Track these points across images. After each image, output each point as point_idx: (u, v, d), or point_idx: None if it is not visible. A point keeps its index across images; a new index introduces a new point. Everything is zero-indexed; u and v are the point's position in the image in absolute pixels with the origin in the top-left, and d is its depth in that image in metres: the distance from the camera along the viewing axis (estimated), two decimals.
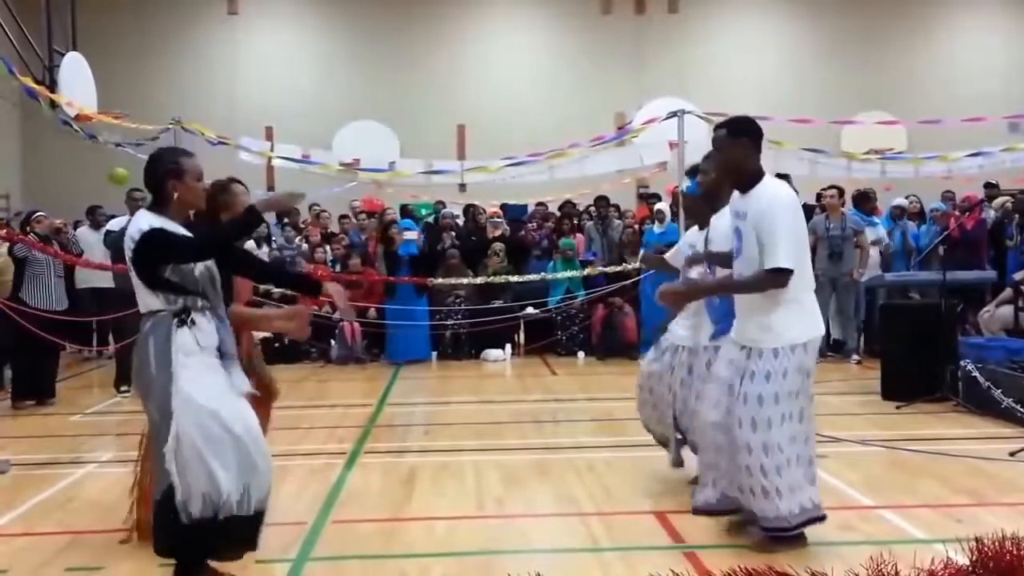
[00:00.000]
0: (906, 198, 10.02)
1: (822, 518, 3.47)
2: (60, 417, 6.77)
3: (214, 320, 3.13)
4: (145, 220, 3.09)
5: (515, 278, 9.52)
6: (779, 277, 3.30)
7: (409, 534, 3.85)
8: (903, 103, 13.87)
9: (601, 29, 14.97)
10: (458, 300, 9.66)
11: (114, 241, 7.90)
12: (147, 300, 3.09)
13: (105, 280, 8.97)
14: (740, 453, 3.39)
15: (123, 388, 7.58)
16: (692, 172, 4.46)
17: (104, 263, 8.37)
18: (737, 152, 3.44)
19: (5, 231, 7.23)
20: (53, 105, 8.58)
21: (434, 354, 9.50)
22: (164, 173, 3.14)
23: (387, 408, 6.93)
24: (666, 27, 15.03)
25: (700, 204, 4.24)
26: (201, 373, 3.01)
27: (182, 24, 14.61)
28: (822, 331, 3.48)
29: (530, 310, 9.68)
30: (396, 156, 12.61)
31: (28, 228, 7.56)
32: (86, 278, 9.61)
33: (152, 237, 3.04)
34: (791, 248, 3.29)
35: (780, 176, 10.40)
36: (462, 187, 12.12)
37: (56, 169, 13.52)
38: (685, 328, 4.27)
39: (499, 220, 10.65)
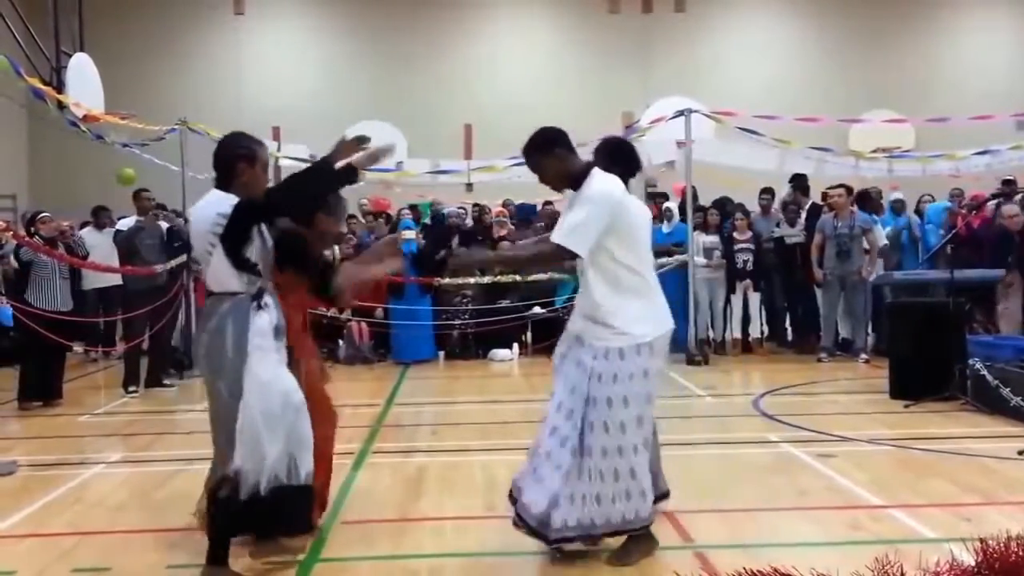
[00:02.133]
0: (919, 199, 9.97)
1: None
2: (68, 418, 6.79)
3: (275, 298, 3.26)
4: (223, 198, 3.16)
5: (522, 277, 9.52)
6: (562, 255, 3.22)
7: (418, 534, 3.85)
8: (910, 101, 13.81)
9: (608, 28, 14.96)
10: (465, 300, 9.66)
11: (123, 240, 7.93)
12: (226, 281, 3.14)
13: (111, 281, 9.01)
14: (594, 459, 3.24)
15: (131, 388, 7.60)
16: None
17: (111, 264, 8.40)
18: (556, 164, 3.37)
19: (12, 233, 7.24)
20: (60, 106, 8.62)
21: (441, 354, 9.50)
22: (237, 155, 3.22)
23: (395, 408, 6.94)
24: (673, 26, 15.00)
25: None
26: (268, 353, 3.14)
27: (188, 25, 14.65)
28: (667, 329, 3.34)
29: (537, 310, 9.67)
30: (403, 156, 12.61)
31: (32, 229, 7.59)
32: (92, 279, 9.64)
33: (247, 203, 3.11)
34: (585, 232, 3.17)
35: (796, 176, 10.36)
36: (469, 187, 12.12)
37: (63, 170, 13.57)
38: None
39: (504, 219, 10.64)
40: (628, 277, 3.27)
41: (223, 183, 3.21)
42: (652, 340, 3.27)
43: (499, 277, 9.52)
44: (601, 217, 3.19)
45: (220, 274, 3.14)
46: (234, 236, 3.10)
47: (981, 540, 2.60)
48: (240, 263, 3.12)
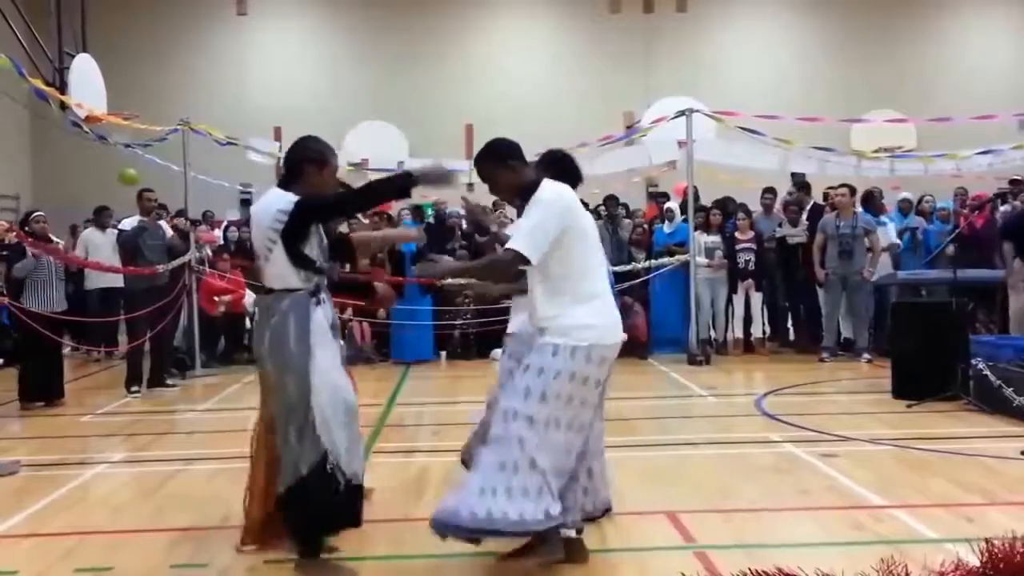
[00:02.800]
0: (920, 199, 9.96)
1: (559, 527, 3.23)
2: (70, 418, 6.79)
3: (330, 296, 3.35)
4: (284, 196, 3.22)
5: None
6: (514, 262, 3.13)
7: (420, 534, 3.84)
8: (913, 101, 13.82)
9: (610, 28, 14.96)
10: (467, 300, 9.66)
11: (126, 240, 7.94)
12: (287, 277, 3.20)
13: (114, 281, 9.01)
14: (490, 446, 3.16)
15: (133, 388, 7.61)
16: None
17: (113, 264, 8.41)
18: (509, 175, 3.34)
19: (16, 232, 7.25)
20: (63, 106, 8.63)
21: (443, 354, 9.50)
22: (307, 158, 3.29)
23: (397, 408, 6.94)
24: (675, 26, 15.01)
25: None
26: (329, 350, 3.23)
27: (191, 25, 14.68)
28: (611, 341, 3.21)
29: None
30: (405, 156, 12.62)
31: (27, 229, 7.59)
32: (95, 279, 9.65)
33: (307, 201, 3.17)
34: (536, 238, 3.10)
35: (795, 175, 10.33)
36: (470, 187, 12.11)
37: (66, 170, 13.60)
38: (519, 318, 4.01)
39: (507, 220, 10.64)
40: (574, 283, 3.19)
41: (287, 183, 3.28)
42: (589, 346, 3.14)
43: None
44: (553, 220, 3.14)
45: (280, 270, 3.19)
46: (294, 233, 3.16)
47: (986, 540, 2.60)
48: (299, 260, 3.18)
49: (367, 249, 3.76)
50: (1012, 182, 9.35)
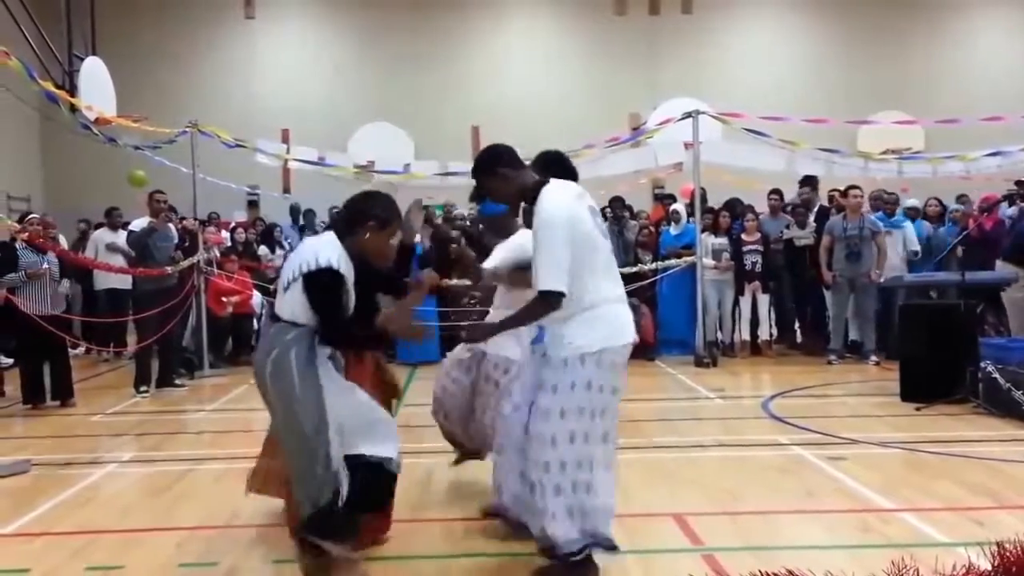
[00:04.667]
0: (927, 202, 9.93)
1: (609, 548, 3.21)
2: (80, 417, 6.83)
3: None
4: (331, 251, 3.12)
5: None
6: (550, 300, 3.08)
7: (427, 535, 3.86)
8: (920, 102, 13.78)
9: (615, 30, 14.96)
10: (472, 301, 9.68)
11: (136, 241, 7.97)
12: (297, 312, 3.13)
13: (123, 282, 9.06)
14: (528, 468, 3.16)
15: (142, 388, 7.64)
16: (475, 196, 4.47)
17: (123, 266, 8.45)
18: (501, 184, 3.32)
19: (28, 234, 7.29)
20: (73, 109, 8.68)
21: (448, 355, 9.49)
22: (370, 214, 3.20)
23: (403, 409, 6.94)
24: (680, 28, 15.00)
25: (497, 222, 4.29)
26: (334, 374, 3.24)
27: (199, 28, 14.75)
28: (620, 343, 3.18)
29: None
30: (411, 158, 12.64)
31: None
32: (104, 279, 9.70)
33: (323, 280, 3.09)
34: (555, 267, 3.06)
35: (806, 178, 10.25)
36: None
37: (76, 172, 13.68)
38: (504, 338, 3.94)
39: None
40: (578, 292, 3.12)
41: (343, 232, 3.20)
42: (600, 351, 3.11)
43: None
44: (560, 241, 3.08)
45: (292, 305, 3.14)
46: (305, 285, 3.11)
47: (998, 544, 2.59)
48: (315, 304, 3.12)
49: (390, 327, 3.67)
50: (1019, 183, 9.32)
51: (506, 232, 4.26)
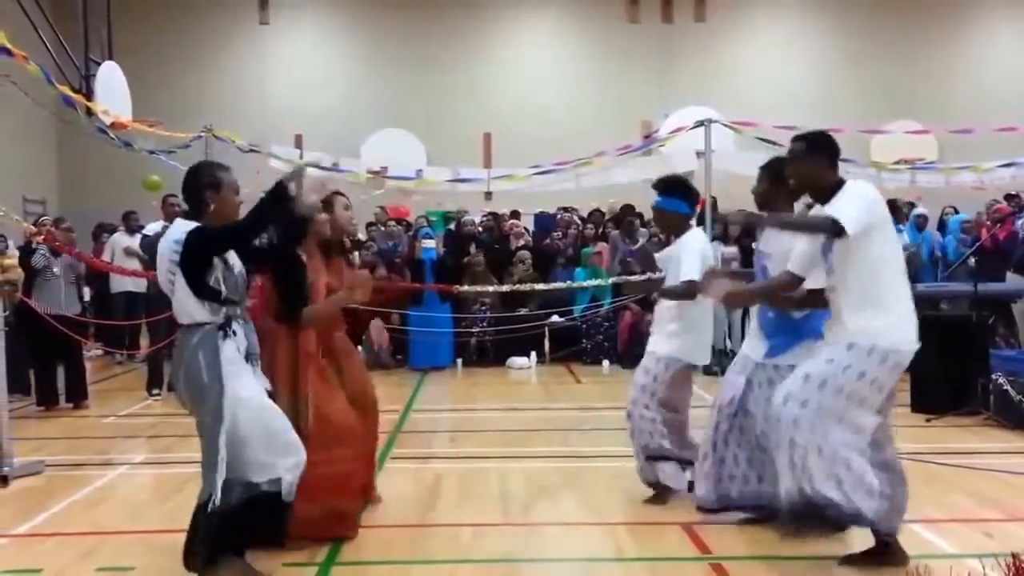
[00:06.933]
0: (945, 211, 9.88)
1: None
2: (93, 419, 6.89)
3: (245, 324, 3.31)
4: (184, 226, 3.21)
5: (540, 286, 9.54)
6: (829, 223, 3.23)
7: (435, 540, 3.88)
8: (934, 112, 13.70)
9: (628, 38, 14.99)
10: (484, 308, 9.70)
11: (149, 245, 8.04)
12: (192, 310, 3.17)
13: (138, 286, 9.13)
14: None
15: (154, 391, 7.70)
16: (660, 185, 4.44)
17: (136, 270, 8.51)
18: (809, 170, 3.44)
19: (44, 236, 7.37)
20: (89, 113, 8.75)
21: (459, 361, 9.54)
22: (202, 185, 3.27)
23: (413, 414, 6.97)
24: (693, 36, 15.01)
25: (670, 217, 4.35)
26: (244, 377, 3.20)
27: (215, 34, 14.87)
28: (910, 348, 3.30)
29: (556, 318, 9.68)
30: (423, 164, 12.68)
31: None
32: (120, 282, 9.78)
33: (199, 232, 3.16)
34: (856, 212, 3.24)
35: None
36: (488, 195, 12.17)
37: (92, 175, 13.80)
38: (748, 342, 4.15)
39: (521, 230, 10.71)
40: (882, 284, 3.27)
41: (193, 213, 3.27)
42: (887, 349, 3.23)
43: (517, 285, 9.55)
44: (868, 208, 3.25)
45: (185, 305, 3.17)
46: (191, 262, 3.13)
47: (1013, 556, 2.58)
48: (200, 290, 3.14)
49: (324, 319, 3.79)
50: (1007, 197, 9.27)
51: (677, 229, 4.31)
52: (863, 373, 3.22)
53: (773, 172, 3.85)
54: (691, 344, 4.27)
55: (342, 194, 4.14)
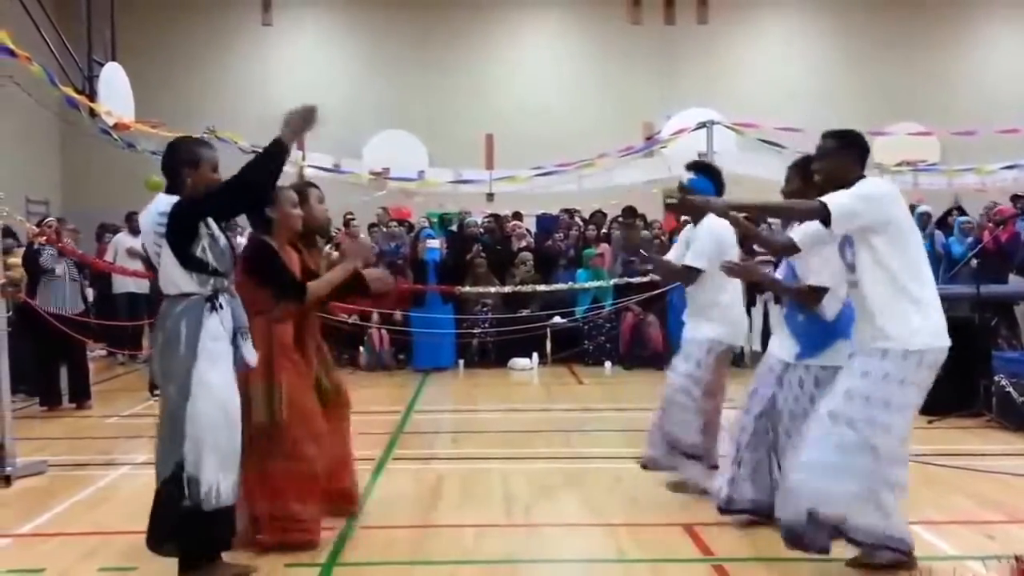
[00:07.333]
0: (949, 212, 9.87)
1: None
2: (95, 419, 6.90)
3: (232, 299, 3.28)
4: (167, 199, 3.19)
5: (542, 287, 9.55)
6: (816, 207, 3.21)
7: (436, 541, 3.88)
8: (936, 113, 13.69)
9: (630, 39, 15.00)
10: (485, 309, 9.71)
11: None
12: (178, 281, 3.15)
13: (140, 286, 9.16)
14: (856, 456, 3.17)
15: (157, 392, 7.69)
16: (693, 166, 4.49)
17: (139, 270, 8.53)
18: (836, 165, 3.40)
19: (47, 237, 7.39)
20: (92, 114, 8.77)
21: (461, 362, 9.54)
22: (180, 162, 3.26)
23: (414, 415, 6.97)
24: (695, 38, 15.01)
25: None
26: (219, 360, 3.14)
27: (217, 35, 14.90)
28: (943, 344, 3.23)
29: (557, 320, 9.69)
30: (425, 165, 12.70)
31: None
32: (122, 283, 9.81)
33: (186, 200, 3.15)
34: (848, 207, 3.19)
35: None
36: (490, 196, 12.19)
37: (94, 176, 13.82)
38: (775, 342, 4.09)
39: (523, 231, 10.72)
40: (910, 283, 3.20)
41: (172, 190, 3.25)
42: (922, 350, 3.17)
43: (519, 287, 9.55)
44: (866, 200, 3.17)
45: (172, 275, 3.15)
46: (178, 232, 3.12)
47: (1016, 558, 2.58)
48: (187, 261, 3.13)
49: (322, 297, 3.76)
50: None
51: (698, 215, 4.33)
52: (903, 380, 3.16)
53: (803, 171, 3.80)
54: (731, 326, 4.36)
55: (315, 186, 4.11)
